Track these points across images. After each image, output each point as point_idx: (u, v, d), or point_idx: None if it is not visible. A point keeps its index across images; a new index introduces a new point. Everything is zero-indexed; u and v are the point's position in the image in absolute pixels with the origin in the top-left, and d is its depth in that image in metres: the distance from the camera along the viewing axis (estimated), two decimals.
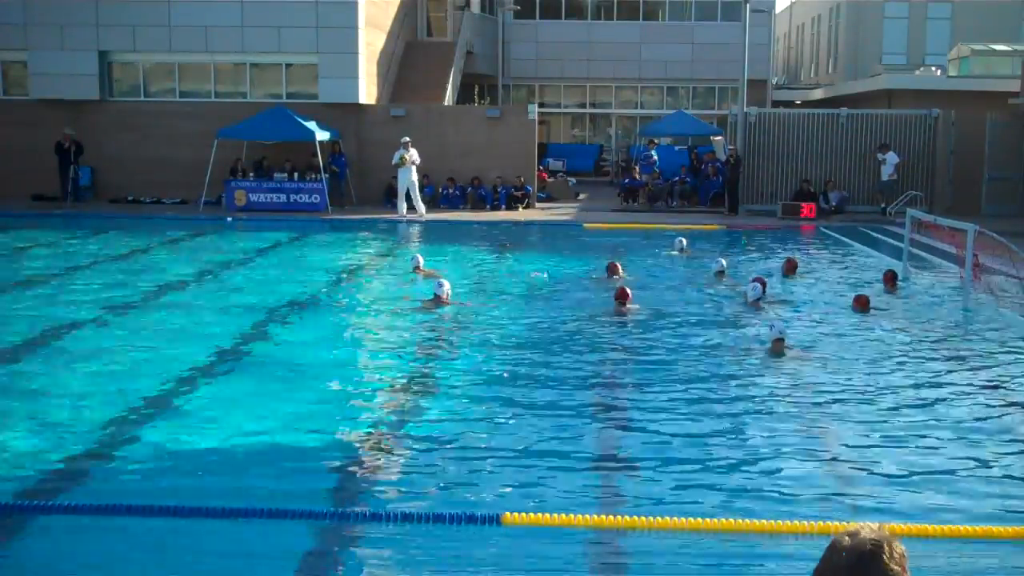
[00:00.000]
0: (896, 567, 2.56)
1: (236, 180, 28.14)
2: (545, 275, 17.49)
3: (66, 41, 29.13)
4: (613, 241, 22.86)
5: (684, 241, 20.57)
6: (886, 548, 2.56)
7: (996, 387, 10.66)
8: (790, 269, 17.85)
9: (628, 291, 14.43)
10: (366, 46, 29.47)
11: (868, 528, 2.63)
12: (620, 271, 17.15)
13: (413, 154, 26.72)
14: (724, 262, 17.65)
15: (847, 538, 2.60)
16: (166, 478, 7.83)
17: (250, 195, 27.96)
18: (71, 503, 7.14)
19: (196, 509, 6.98)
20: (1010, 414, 9.70)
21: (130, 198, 29.15)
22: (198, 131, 28.37)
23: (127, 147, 29.43)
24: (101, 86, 29.70)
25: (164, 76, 30.36)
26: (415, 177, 26.94)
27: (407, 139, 27.05)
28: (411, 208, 27.12)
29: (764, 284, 15.17)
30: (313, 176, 27.90)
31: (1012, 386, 10.72)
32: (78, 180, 28.55)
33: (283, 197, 27.94)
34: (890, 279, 16.62)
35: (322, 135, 27.74)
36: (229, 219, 26.18)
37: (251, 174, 28.44)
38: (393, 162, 26.79)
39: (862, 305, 14.36)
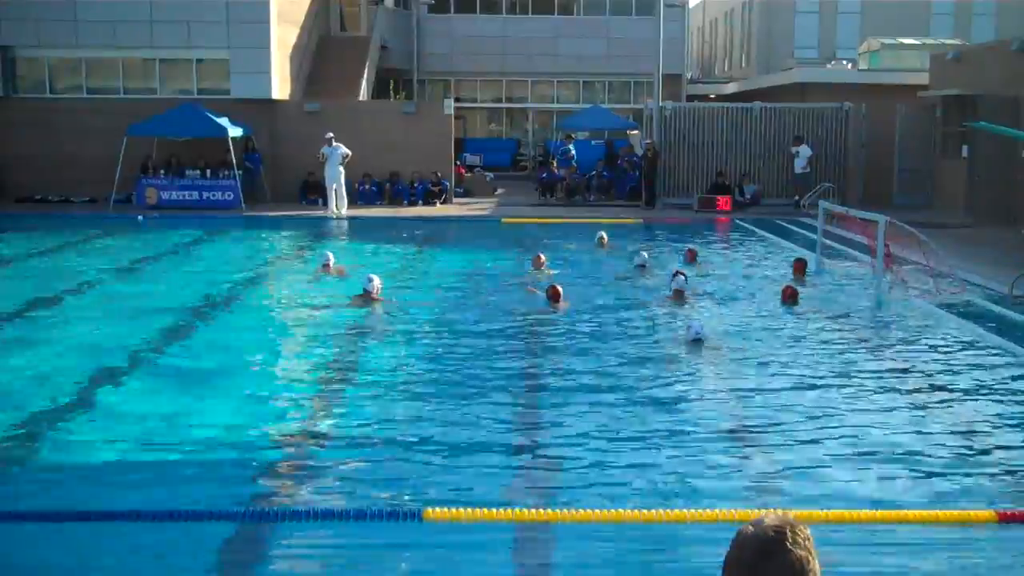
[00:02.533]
0: (801, 551, 2.52)
1: (147, 178, 27.61)
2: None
3: None
4: (532, 235, 22.81)
5: (604, 235, 20.62)
6: (788, 534, 2.53)
7: (908, 373, 10.86)
8: (691, 258, 18.16)
9: (559, 289, 14.35)
10: (278, 41, 29.10)
11: (772, 515, 2.61)
12: (544, 263, 17.19)
13: (340, 148, 26.37)
14: (646, 255, 17.71)
15: (751, 527, 2.58)
16: (78, 484, 7.64)
17: (162, 193, 27.45)
18: None
19: (109, 513, 6.79)
20: (923, 399, 9.86)
21: (37, 197, 28.41)
22: (107, 128, 27.66)
23: (33, 145, 28.65)
24: (5, 82, 28.93)
25: (71, 72, 29.68)
26: (342, 172, 26.56)
27: (331, 134, 26.71)
28: (326, 204, 26.85)
29: (685, 276, 15.24)
30: (226, 173, 27.47)
31: (925, 372, 10.93)
32: None
33: (196, 195, 27.49)
34: (799, 268, 16.74)
35: (235, 131, 27.33)
36: (140, 217, 25.59)
37: (162, 171, 27.90)
38: (341, 162, 26.38)
39: (789, 297, 14.40)
